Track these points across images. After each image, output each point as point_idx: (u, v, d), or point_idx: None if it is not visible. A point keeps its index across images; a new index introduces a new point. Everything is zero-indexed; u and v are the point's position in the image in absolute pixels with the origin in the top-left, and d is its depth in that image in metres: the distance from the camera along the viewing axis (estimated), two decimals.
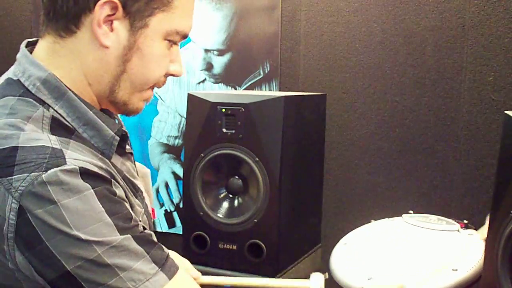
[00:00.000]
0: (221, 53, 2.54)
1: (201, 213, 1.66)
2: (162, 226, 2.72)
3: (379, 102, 2.27)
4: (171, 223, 2.69)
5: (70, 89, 0.94)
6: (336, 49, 2.33)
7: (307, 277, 1.81)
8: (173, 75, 1.00)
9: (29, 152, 0.84)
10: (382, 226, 1.75)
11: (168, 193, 2.69)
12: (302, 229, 1.79)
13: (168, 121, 2.68)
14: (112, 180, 0.91)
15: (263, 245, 1.60)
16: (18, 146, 0.85)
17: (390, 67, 2.24)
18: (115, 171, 0.97)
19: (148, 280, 0.87)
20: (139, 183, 1.11)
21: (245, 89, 2.51)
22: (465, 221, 1.67)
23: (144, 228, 0.94)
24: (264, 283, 1.30)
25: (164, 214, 2.71)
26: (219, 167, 1.67)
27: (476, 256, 1.49)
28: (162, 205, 2.70)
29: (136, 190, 1.07)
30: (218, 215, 1.65)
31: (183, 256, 1.69)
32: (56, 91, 0.93)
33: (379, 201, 2.29)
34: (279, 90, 2.45)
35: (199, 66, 2.59)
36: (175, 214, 2.69)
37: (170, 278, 0.89)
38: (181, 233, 1.69)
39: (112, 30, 0.92)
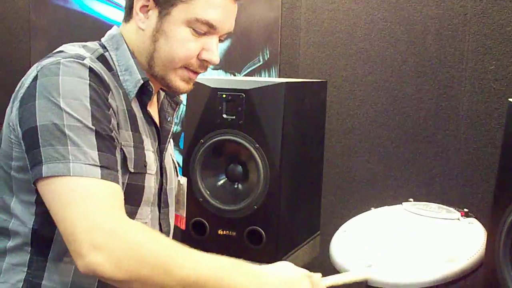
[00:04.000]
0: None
1: (201, 199, 1.65)
2: None
3: (379, 90, 2.26)
4: None
5: (128, 46, 1.23)
6: (336, 36, 2.32)
7: (305, 264, 1.81)
8: (206, 61, 1.20)
9: (66, 53, 1.13)
10: (382, 214, 1.75)
11: None
12: (301, 216, 1.79)
13: None
14: (111, 92, 1.13)
15: (262, 232, 1.60)
16: (64, 51, 1.15)
17: (390, 55, 2.23)
18: (123, 100, 1.17)
19: (85, 164, 1.01)
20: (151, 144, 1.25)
21: (245, 75, 2.50)
22: (465, 210, 1.67)
23: (120, 150, 1.12)
24: None
25: None
26: (219, 153, 1.66)
27: (477, 244, 1.49)
28: None
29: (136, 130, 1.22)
30: (218, 201, 1.65)
31: (182, 242, 1.69)
32: (116, 43, 1.23)
33: (378, 189, 2.28)
34: (279, 77, 2.43)
35: None
36: None
37: (100, 178, 1.02)
38: None
39: (147, 17, 1.19)
